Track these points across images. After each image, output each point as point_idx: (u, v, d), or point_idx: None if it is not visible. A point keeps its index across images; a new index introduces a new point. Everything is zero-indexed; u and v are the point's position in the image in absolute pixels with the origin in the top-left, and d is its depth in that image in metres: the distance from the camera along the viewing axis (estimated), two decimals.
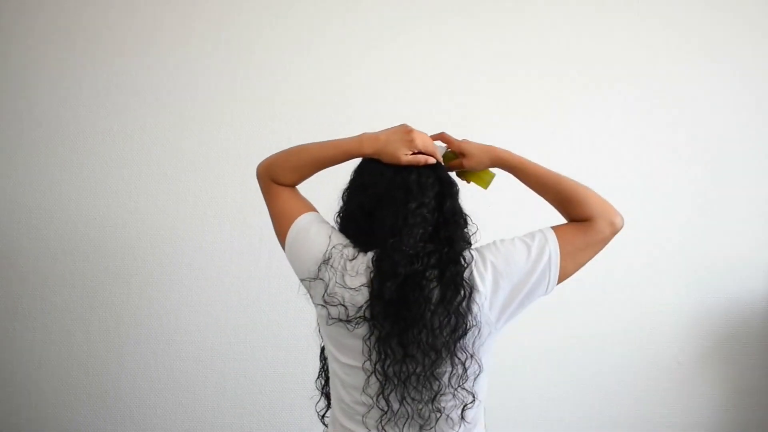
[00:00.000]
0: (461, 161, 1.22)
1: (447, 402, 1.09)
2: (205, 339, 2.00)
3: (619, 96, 2.06)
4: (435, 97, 2.02)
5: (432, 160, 1.15)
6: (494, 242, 1.13)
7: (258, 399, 2.02)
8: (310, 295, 1.16)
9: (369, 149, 1.17)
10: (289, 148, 1.23)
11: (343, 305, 1.08)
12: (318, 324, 1.19)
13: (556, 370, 2.06)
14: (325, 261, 1.11)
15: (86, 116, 1.98)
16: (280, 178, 1.23)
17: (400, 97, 2.01)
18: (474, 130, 2.04)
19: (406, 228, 1.07)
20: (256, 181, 1.26)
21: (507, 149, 1.20)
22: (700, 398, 2.08)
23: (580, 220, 1.14)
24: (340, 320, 1.08)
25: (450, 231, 1.10)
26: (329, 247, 1.12)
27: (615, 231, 1.14)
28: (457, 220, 1.12)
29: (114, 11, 1.98)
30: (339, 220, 1.20)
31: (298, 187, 1.26)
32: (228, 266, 1.99)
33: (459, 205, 1.15)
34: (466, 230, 1.15)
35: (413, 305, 1.04)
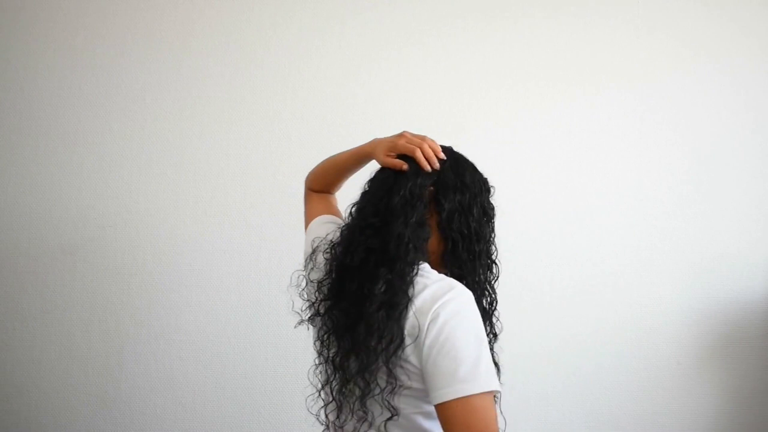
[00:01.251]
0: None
1: (374, 409, 1.03)
2: (205, 339, 2.00)
3: (618, 96, 2.06)
4: (435, 98, 2.02)
5: (404, 167, 1.09)
6: (461, 304, 1.00)
7: (258, 399, 2.02)
8: None
9: (369, 148, 1.20)
10: (324, 160, 1.37)
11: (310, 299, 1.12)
12: None
13: (555, 370, 2.05)
14: (312, 253, 1.17)
15: (86, 116, 1.98)
16: (312, 184, 1.39)
17: (401, 98, 2.01)
18: (475, 133, 2.05)
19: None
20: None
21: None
22: (699, 398, 2.08)
23: None
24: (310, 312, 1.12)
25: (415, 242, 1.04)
26: (317, 240, 1.16)
27: None
28: (419, 233, 1.05)
29: (114, 11, 1.98)
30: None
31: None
32: (228, 266, 1.99)
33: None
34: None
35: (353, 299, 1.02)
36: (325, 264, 1.10)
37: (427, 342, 0.96)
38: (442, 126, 1.99)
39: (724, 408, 2.09)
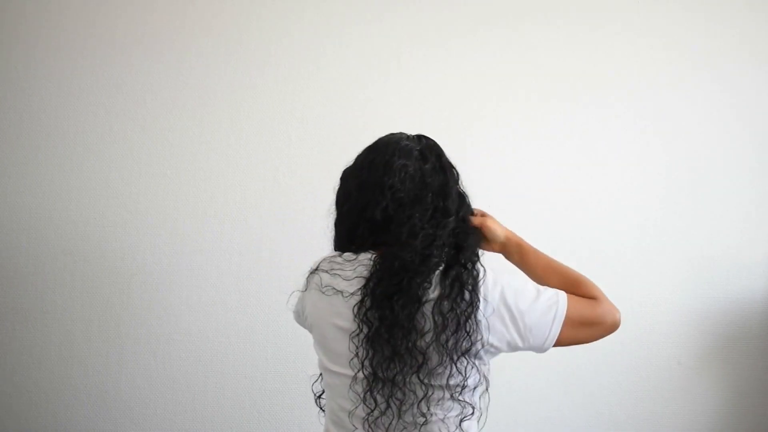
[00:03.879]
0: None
1: (438, 409, 1.07)
2: (205, 339, 2.00)
3: (618, 97, 2.06)
4: (436, 99, 2.02)
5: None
6: (504, 273, 1.11)
7: (258, 399, 2.02)
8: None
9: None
10: None
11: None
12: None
13: (555, 370, 2.05)
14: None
15: (86, 116, 1.98)
16: None
17: (401, 98, 2.01)
18: (474, 135, 2.05)
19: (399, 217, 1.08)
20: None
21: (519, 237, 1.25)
22: (700, 398, 2.08)
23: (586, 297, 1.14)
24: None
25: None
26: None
27: (614, 323, 1.17)
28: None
29: (114, 11, 1.98)
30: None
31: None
32: (228, 266, 1.99)
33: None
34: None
35: (402, 302, 1.02)
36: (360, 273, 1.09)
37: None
38: (442, 126, 1.99)
39: (724, 408, 2.09)
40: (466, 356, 1.03)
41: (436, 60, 2.03)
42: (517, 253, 1.23)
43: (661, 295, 2.06)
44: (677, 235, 2.06)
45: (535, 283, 1.12)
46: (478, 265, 1.08)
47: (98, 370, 2.00)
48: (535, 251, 1.22)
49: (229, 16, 1.99)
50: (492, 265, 1.11)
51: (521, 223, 2.04)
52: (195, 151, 1.99)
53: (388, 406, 1.04)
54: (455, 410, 1.08)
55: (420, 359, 1.02)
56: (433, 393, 1.05)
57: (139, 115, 1.98)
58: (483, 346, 1.06)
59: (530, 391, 2.06)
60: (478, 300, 1.04)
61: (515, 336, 1.07)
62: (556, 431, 2.08)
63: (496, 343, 1.07)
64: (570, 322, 1.09)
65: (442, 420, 1.08)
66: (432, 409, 1.06)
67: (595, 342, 2.10)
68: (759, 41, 2.09)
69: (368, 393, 1.04)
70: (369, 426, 1.06)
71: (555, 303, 1.08)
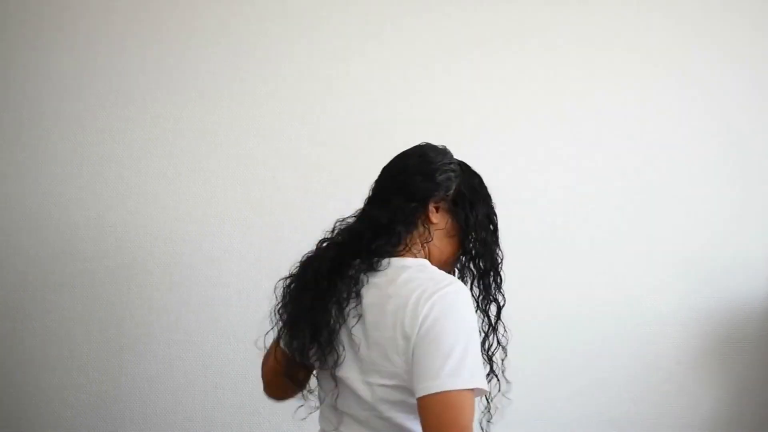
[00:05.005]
0: None
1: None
2: (205, 339, 2.00)
3: (617, 97, 2.06)
4: (436, 98, 2.02)
5: None
6: (456, 299, 1.02)
7: (258, 399, 2.01)
8: None
9: None
10: None
11: None
12: None
13: (555, 370, 2.05)
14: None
15: (86, 116, 1.98)
16: None
17: (401, 98, 2.01)
18: (471, 133, 2.05)
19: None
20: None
21: None
22: (700, 398, 2.08)
23: None
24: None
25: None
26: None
27: None
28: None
29: (115, 11, 1.98)
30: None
31: None
32: (228, 266, 1.99)
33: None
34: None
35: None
36: None
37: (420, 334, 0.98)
38: (442, 126, 1.99)
39: (723, 407, 2.09)
40: None
41: (437, 60, 2.03)
42: None
43: (660, 295, 2.06)
44: (677, 235, 2.06)
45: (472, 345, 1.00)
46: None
47: (98, 370, 1.99)
48: None
49: (229, 16, 1.99)
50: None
51: (518, 224, 2.04)
52: (195, 151, 1.99)
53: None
54: None
55: None
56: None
57: (139, 115, 1.98)
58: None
59: (529, 391, 2.05)
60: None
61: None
62: (555, 431, 2.08)
63: None
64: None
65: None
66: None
67: (594, 342, 2.10)
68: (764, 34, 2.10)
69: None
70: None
71: (464, 368, 0.96)
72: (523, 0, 2.05)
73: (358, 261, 1.09)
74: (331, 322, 1.06)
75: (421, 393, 0.95)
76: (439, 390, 0.93)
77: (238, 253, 1.99)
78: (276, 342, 1.22)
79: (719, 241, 2.07)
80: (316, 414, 1.29)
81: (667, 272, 2.06)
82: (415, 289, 1.01)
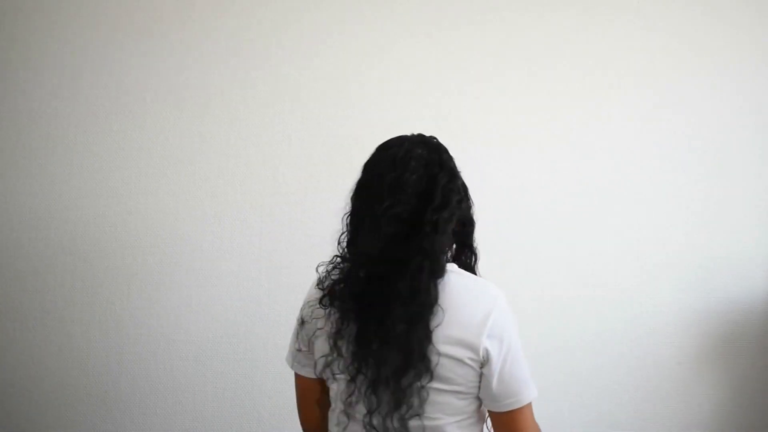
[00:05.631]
0: None
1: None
2: (205, 339, 2.00)
3: (619, 97, 2.06)
4: (437, 98, 2.02)
5: None
6: (507, 310, 1.12)
7: (258, 399, 2.02)
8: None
9: None
10: None
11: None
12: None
13: (555, 370, 2.05)
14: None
15: (86, 116, 1.98)
16: None
17: (401, 98, 2.01)
18: (476, 134, 2.05)
19: (374, 224, 1.06)
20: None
21: None
22: (700, 398, 2.08)
23: None
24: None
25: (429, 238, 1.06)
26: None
27: None
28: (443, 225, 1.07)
29: (114, 11, 1.98)
30: (347, 222, 1.19)
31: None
32: (228, 266, 1.99)
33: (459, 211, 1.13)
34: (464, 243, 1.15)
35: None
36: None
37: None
38: (443, 125, 1.98)
39: (723, 408, 2.09)
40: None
41: (438, 61, 2.03)
42: None
43: (661, 296, 2.06)
44: (677, 236, 2.06)
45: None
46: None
47: (98, 370, 2.00)
48: None
49: (229, 16, 1.99)
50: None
51: (521, 223, 2.04)
52: (195, 151, 1.99)
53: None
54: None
55: None
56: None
57: (139, 115, 1.98)
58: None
59: None
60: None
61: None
62: (555, 431, 2.08)
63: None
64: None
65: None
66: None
67: (594, 342, 2.10)
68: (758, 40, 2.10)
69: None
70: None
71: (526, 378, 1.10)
72: (523, 5, 2.05)
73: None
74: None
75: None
76: None
77: (238, 253, 1.99)
78: (305, 387, 1.27)
79: (719, 241, 2.07)
80: None
81: (667, 272, 2.06)
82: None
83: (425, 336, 1.02)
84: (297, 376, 1.27)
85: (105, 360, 1.99)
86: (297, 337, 1.21)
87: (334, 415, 1.17)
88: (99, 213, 1.98)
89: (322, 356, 1.12)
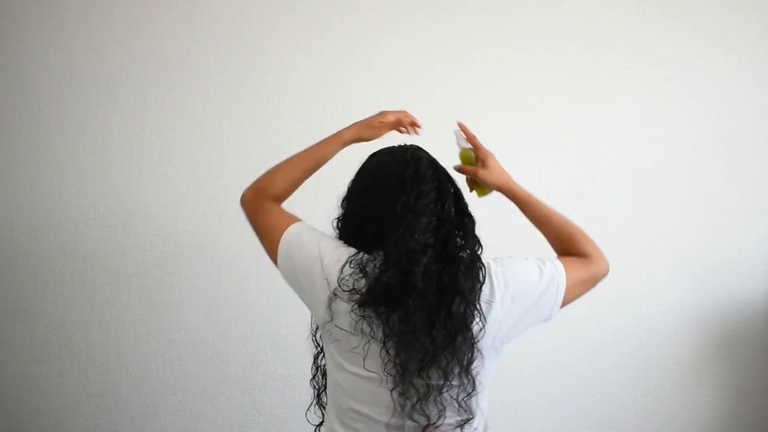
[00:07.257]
0: (477, 170, 1.24)
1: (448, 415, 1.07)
2: (205, 339, 2.00)
3: (619, 96, 2.06)
4: (437, 97, 2.02)
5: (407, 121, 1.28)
6: (505, 258, 1.14)
7: (258, 399, 2.02)
8: (311, 301, 1.16)
9: (348, 134, 1.26)
10: (274, 165, 1.30)
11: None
12: (315, 331, 1.19)
13: (555, 370, 2.05)
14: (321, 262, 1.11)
15: (86, 117, 1.98)
16: (272, 189, 1.29)
17: (401, 98, 2.01)
18: (474, 131, 2.04)
19: (410, 219, 1.05)
20: (242, 209, 1.31)
21: (518, 183, 1.26)
22: (700, 398, 2.08)
23: (576, 255, 1.22)
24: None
25: (461, 229, 1.11)
26: (320, 253, 1.13)
27: (605, 272, 1.26)
28: (464, 219, 1.13)
29: (114, 11, 1.98)
30: (339, 227, 1.20)
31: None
32: (228, 266, 1.99)
33: (465, 204, 1.15)
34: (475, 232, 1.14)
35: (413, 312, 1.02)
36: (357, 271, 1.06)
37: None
38: (443, 125, 1.98)
39: (723, 408, 2.09)
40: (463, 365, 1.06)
41: (439, 60, 2.03)
42: (513, 201, 1.27)
43: (660, 296, 2.06)
44: (677, 236, 2.06)
45: (532, 258, 1.16)
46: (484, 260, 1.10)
47: (98, 370, 2.00)
48: (531, 201, 1.27)
49: (229, 16, 1.99)
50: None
51: (517, 225, 2.04)
52: (195, 151, 1.99)
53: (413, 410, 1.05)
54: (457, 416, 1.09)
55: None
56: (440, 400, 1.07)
57: (139, 115, 1.98)
58: (483, 350, 1.09)
59: (530, 392, 2.06)
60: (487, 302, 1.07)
61: (528, 321, 1.15)
62: (556, 431, 2.08)
63: (508, 336, 1.14)
64: (569, 288, 1.17)
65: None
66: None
67: (595, 343, 2.11)
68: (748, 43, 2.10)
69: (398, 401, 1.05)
70: None
71: (555, 272, 1.15)
72: (522, 1, 2.05)
73: None
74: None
75: None
76: None
77: (238, 253, 1.99)
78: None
79: (719, 240, 2.07)
80: (316, 413, 1.29)
81: (667, 272, 2.06)
82: None
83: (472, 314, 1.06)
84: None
85: (105, 360, 1.99)
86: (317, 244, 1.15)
87: (343, 412, 1.13)
88: (99, 213, 1.98)
89: (347, 333, 1.07)
